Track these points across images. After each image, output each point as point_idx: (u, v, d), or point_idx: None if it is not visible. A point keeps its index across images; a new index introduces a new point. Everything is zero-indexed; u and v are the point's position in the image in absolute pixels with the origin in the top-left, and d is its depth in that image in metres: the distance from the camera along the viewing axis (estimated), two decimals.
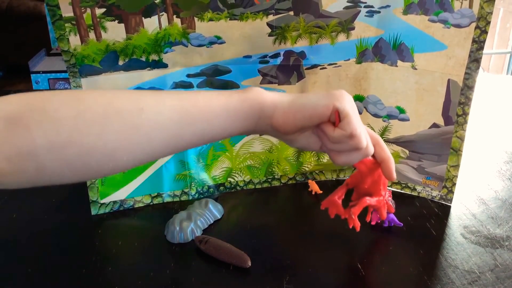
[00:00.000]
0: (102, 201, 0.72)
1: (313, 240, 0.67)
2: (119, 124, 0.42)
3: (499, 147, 0.95)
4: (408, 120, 0.75)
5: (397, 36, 0.71)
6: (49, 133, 0.40)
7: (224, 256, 0.61)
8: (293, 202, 0.79)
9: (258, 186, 0.80)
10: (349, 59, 0.74)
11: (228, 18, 0.67)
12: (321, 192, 0.77)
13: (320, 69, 0.74)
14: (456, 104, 0.70)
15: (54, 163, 0.40)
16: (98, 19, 0.63)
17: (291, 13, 0.69)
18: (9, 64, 2.98)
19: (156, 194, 0.75)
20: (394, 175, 0.54)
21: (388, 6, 0.70)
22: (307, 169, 0.81)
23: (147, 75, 0.68)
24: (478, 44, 0.66)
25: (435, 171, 0.75)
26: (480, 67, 0.68)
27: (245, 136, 0.77)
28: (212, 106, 0.47)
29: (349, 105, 0.48)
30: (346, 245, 0.66)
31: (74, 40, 0.63)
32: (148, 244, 0.66)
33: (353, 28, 0.72)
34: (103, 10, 0.63)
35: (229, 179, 0.79)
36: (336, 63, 0.74)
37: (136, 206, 0.75)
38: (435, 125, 0.73)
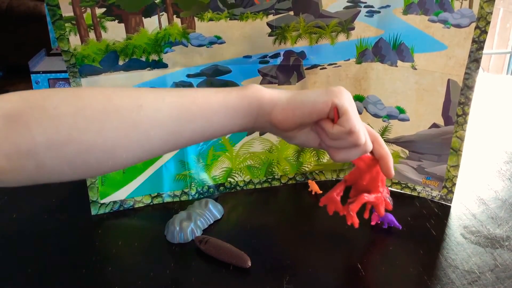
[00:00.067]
0: (102, 201, 0.72)
1: (313, 240, 0.67)
2: (118, 121, 0.42)
3: (499, 147, 0.95)
4: (408, 120, 0.75)
5: (397, 36, 0.71)
6: (48, 130, 0.40)
7: (224, 256, 0.61)
8: (293, 202, 0.79)
9: (258, 186, 0.80)
10: (349, 59, 0.74)
11: (228, 18, 0.67)
12: (321, 192, 0.77)
13: (320, 69, 0.74)
14: (456, 104, 0.70)
15: (54, 161, 0.40)
16: (98, 19, 0.63)
17: (291, 13, 0.69)
18: (9, 64, 2.97)
19: (156, 194, 0.75)
20: (392, 172, 0.54)
21: (388, 6, 0.70)
22: (307, 169, 0.81)
23: (147, 75, 0.68)
24: (478, 44, 0.66)
25: (435, 171, 0.75)
26: (480, 67, 0.68)
27: (245, 136, 0.77)
28: (211, 103, 0.47)
29: (347, 102, 0.48)
30: (346, 245, 0.66)
31: (74, 40, 0.63)
32: (148, 244, 0.66)
33: (353, 28, 0.72)
34: (103, 10, 0.63)
35: (229, 179, 0.79)
36: (336, 63, 0.74)
37: (136, 206, 0.75)
38: (435, 125, 0.73)
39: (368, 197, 0.57)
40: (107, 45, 0.64)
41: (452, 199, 0.75)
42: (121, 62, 0.66)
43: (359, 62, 0.74)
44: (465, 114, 0.70)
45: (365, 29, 0.72)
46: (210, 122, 0.47)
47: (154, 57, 0.67)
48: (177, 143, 0.47)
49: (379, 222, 0.68)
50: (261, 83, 0.73)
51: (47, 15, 2.20)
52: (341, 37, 0.72)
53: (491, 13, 0.64)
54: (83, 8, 0.62)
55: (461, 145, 0.72)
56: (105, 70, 0.66)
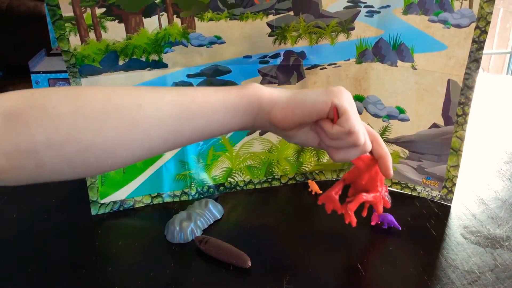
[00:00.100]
0: (102, 201, 0.72)
1: (313, 240, 0.67)
2: (118, 120, 0.42)
3: (499, 147, 0.95)
4: (408, 120, 0.75)
5: (397, 36, 0.71)
6: (48, 129, 0.40)
7: (224, 256, 0.61)
8: (293, 202, 0.79)
9: (258, 186, 0.80)
10: (349, 59, 0.74)
11: (228, 18, 0.67)
12: (321, 192, 0.77)
13: (320, 69, 0.74)
14: (456, 104, 0.70)
15: (54, 160, 0.41)
16: (98, 19, 0.63)
17: (291, 13, 0.69)
18: (9, 64, 2.97)
19: (156, 194, 0.75)
20: (391, 172, 0.54)
21: (388, 6, 0.70)
22: (307, 169, 0.81)
23: (147, 75, 0.68)
24: (478, 44, 0.66)
25: (435, 171, 0.75)
26: (480, 67, 0.68)
27: (245, 136, 0.77)
28: (210, 102, 0.47)
29: (347, 102, 0.48)
30: (346, 245, 0.66)
31: (74, 40, 0.63)
32: (148, 244, 0.66)
33: (353, 28, 0.72)
34: (103, 10, 0.63)
35: (229, 179, 0.79)
36: (336, 63, 0.74)
37: (136, 206, 0.75)
38: (435, 125, 0.73)
39: (366, 197, 0.57)
40: (107, 45, 0.64)
41: (452, 199, 0.75)
42: (121, 62, 0.66)
43: (359, 62, 0.74)
44: (465, 114, 0.70)
45: (365, 29, 0.72)
46: (210, 120, 0.47)
47: (154, 57, 0.67)
48: (177, 142, 0.47)
49: (379, 222, 0.68)
50: (261, 83, 0.72)
51: (47, 15, 2.20)
52: (341, 37, 0.72)
53: (491, 13, 0.64)
54: (83, 8, 0.62)
55: (461, 145, 0.72)
56: (105, 70, 0.66)
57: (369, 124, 0.77)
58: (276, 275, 0.59)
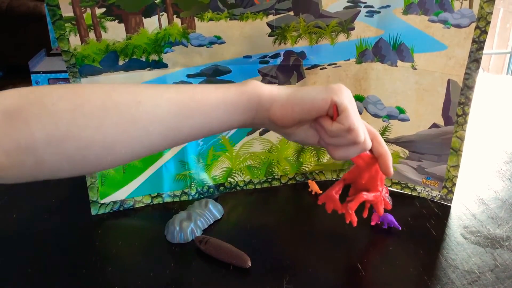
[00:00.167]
0: (102, 201, 0.72)
1: (313, 240, 0.67)
2: (117, 117, 0.42)
3: (499, 147, 0.95)
4: (408, 120, 0.75)
5: (397, 36, 0.71)
6: (47, 126, 0.40)
7: (224, 256, 0.61)
8: (293, 202, 0.79)
9: (258, 186, 0.80)
10: (349, 59, 0.74)
11: (228, 18, 0.67)
12: (321, 192, 0.77)
13: (320, 69, 0.74)
14: (456, 104, 0.70)
15: (53, 157, 0.41)
16: (98, 19, 0.63)
17: (291, 13, 0.69)
18: (9, 64, 2.98)
19: (156, 194, 0.75)
20: (391, 170, 0.54)
21: (388, 6, 0.70)
22: (307, 169, 0.81)
23: (147, 75, 0.68)
24: (478, 44, 0.66)
25: (435, 171, 0.75)
26: (480, 67, 0.68)
27: (245, 136, 0.77)
28: (210, 99, 0.47)
29: (347, 99, 0.48)
30: (346, 245, 0.66)
31: (74, 40, 0.63)
32: (148, 244, 0.66)
33: (353, 28, 0.72)
34: (103, 10, 0.63)
35: (229, 179, 0.79)
36: (336, 63, 0.74)
37: (136, 206, 0.75)
38: (435, 125, 0.73)
39: (367, 196, 0.57)
40: (107, 45, 0.64)
41: (452, 199, 0.75)
42: (121, 62, 0.66)
43: (359, 62, 0.74)
44: (465, 114, 0.70)
45: (365, 29, 0.72)
46: (209, 118, 0.47)
47: (154, 57, 0.67)
48: (176, 139, 0.47)
49: (379, 222, 0.68)
50: None
51: (47, 15, 2.20)
52: (341, 37, 0.72)
53: (491, 13, 0.65)
54: (83, 8, 0.62)
55: (461, 145, 0.72)
56: (105, 70, 0.66)
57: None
58: (276, 275, 0.59)
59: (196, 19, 0.67)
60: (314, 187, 0.78)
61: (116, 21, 0.64)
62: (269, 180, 0.80)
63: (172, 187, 0.76)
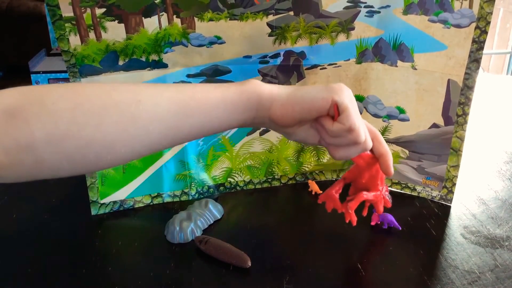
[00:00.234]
0: (102, 201, 0.72)
1: (313, 240, 0.67)
2: (117, 116, 0.42)
3: (499, 147, 0.95)
4: (408, 120, 0.75)
5: (397, 36, 0.71)
6: (47, 125, 0.40)
7: (224, 256, 0.61)
8: (293, 202, 0.79)
9: (258, 186, 0.80)
10: (349, 59, 0.74)
11: (228, 18, 0.67)
12: (321, 192, 0.77)
13: (320, 69, 0.74)
14: (456, 104, 0.70)
15: (53, 156, 0.41)
16: (98, 19, 0.63)
17: (291, 13, 0.69)
18: (9, 64, 2.98)
19: (156, 194, 0.75)
20: (392, 170, 0.54)
21: (388, 6, 0.70)
22: (307, 169, 0.81)
23: (147, 75, 0.68)
24: (478, 44, 0.66)
25: (435, 171, 0.75)
26: (480, 67, 0.68)
27: (245, 136, 0.77)
28: (210, 98, 0.47)
29: (348, 99, 0.48)
30: (346, 245, 0.66)
31: (74, 40, 0.63)
32: (148, 244, 0.66)
33: (353, 28, 0.72)
34: (103, 10, 0.63)
35: (229, 179, 0.79)
36: (336, 63, 0.74)
37: (136, 206, 0.75)
38: (435, 125, 0.73)
39: (367, 195, 0.57)
40: (107, 45, 0.64)
41: (452, 199, 0.75)
42: (121, 62, 0.66)
43: (359, 62, 0.74)
44: (465, 114, 0.70)
45: (365, 29, 0.72)
46: (209, 117, 0.47)
47: (154, 57, 0.67)
48: (176, 138, 0.47)
49: (379, 222, 0.68)
50: None
51: (47, 15, 2.20)
52: (341, 37, 0.72)
53: (491, 13, 0.64)
54: (83, 8, 0.62)
55: (461, 145, 0.72)
56: (105, 70, 0.66)
57: None
58: (276, 275, 0.59)
59: (196, 19, 0.67)
60: (314, 187, 0.78)
61: (116, 21, 0.64)
62: (269, 180, 0.80)
63: (172, 187, 0.76)
